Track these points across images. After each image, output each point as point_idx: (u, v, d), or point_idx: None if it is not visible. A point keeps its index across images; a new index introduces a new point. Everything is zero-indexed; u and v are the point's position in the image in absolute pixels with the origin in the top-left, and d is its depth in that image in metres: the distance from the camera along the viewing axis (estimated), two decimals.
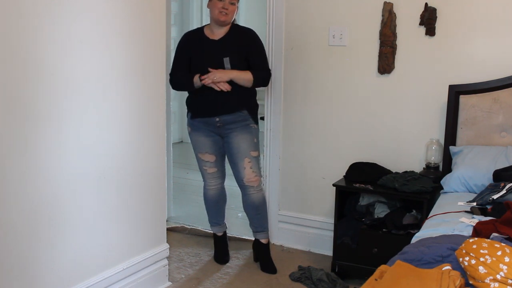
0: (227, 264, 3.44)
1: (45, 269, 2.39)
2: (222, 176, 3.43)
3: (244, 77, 3.16)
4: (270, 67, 3.38)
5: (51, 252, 2.41)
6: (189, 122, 3.34)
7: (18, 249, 2.27)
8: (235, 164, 3.28)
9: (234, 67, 3.15)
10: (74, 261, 2.53)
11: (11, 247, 2.24)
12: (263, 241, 3.42)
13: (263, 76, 3.25)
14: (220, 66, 3.14)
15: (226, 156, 3.38)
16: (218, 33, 3.22)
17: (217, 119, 3.22)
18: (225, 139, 3.28)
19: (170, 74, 3.30)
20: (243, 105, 3.23)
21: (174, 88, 3.36)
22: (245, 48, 3.21)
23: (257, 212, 3.36)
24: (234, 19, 3.27)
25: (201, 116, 3.25)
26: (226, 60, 3.15)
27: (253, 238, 3.70)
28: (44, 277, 2.39)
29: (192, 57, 3.23)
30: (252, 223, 3.41)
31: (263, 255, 3.42)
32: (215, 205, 3.46)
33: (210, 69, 3.12)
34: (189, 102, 3.33)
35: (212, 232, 3.59)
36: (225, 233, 3.54)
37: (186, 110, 3.37)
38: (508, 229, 2.00)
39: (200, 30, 3.30)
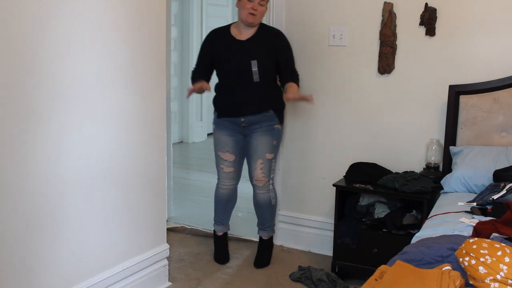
0: (227, 264, 3.44)
1: (46, 269, 2.39)
2: (237, 177, 3.44)
3: (297, 89, 3.22)
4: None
5: (51, 252, 2.41)
6: (215, 120, 3.38)
7: (18, 248, 2.27)
8: (249, 163, 3.35)
9: (261, 70, 3.15)
10: (74, 261, 2.53)
11: (11, 247, 2.24)
12: (264, 237, 3.47)
13: (298, 80, 3.28)
14: (248, 69, 3.14)
15: (244, 156, 3.41)
16: (245, 34, 3.21)
17: (242, 119, 3.24)
18: (246, 138, 3.31)
19: (193, 71, 3.36)
20: (269, 105, 3.25)
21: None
22: (274, 49, 3.20)
23: (260, 210, 3.43)
24: None
25: (227, 116, 3.28)
26: (254, 63, 3.14)
27: (253, 238, 3.73)
28: (44, 277, 2.39)
29: (216, 57, 3.24)
30: (257, 219, 3.48)
31: (259, 249, 3.47)
32: (224, 205, 3.46)
33: (289, 97, 3.13)
34: (215, 101, 3.37)
35: (212, 231, 3.59)
36: (225, 233, 3.54)
37: (213, 109, 3.41)
38: (508, 229, 2.00)
39: (226, 29, 3.29)
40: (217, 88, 3.35)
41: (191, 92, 3.25)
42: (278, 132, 3.32)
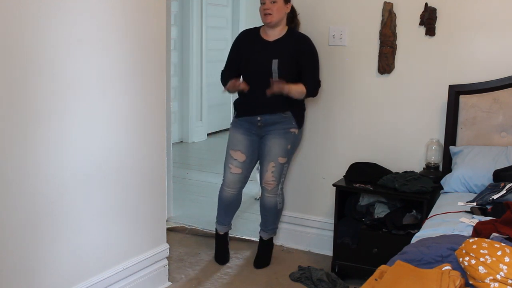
0: (227, 264, 3.44)
1: (46, 269, 2.40)
2: (243, 181, 3.39)
3: (298, 90, 3.16)
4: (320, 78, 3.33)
5: (51, 252, 2.41)
6: (233, 121, 3.39)
7: (18, 248, 2.27)
8: (261, 164, 3.35)
9: (281, 70, 3.14)
10: (74, 261, 2.53)
11: (11, 246, 2.24)
12: (264, 238, 3.47)
13: (313, 88, 3.26)
14: (268, 68, 3.15)
15: (256, 161, 3.40)
16: (272, 35, 3.23)
17: (259, 118, 3.24)
18: (261, 139, 3.30)
19: (222, 71, 3.39)
20: (287, 106, 3.23)
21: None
22: (297, 53, 3.19)
23: (264, 213, 3.42)
24: (296, 24, 3.30)
25: (245, 114, 3.28)
26: (275, 62, 3.15)
27: (253, 238, 3.73)
28: (44, 277, 2.39)
29: (243, 56, 3.27)
30: (261, 219, 3.47)
31: (259, 249, 3.47)
32: (227, 207, 3.42)
33: (273, 84, 3.09)
34: (235, 102, 3.39)
35: (213, 232, 3.58)
36: (226, 233, 3.52)
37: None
38: (508, 229, 2.00)
39: (256, 29, 3.33)
40: None
41: (228, 89, 3.27)
42: (294, 137, 3.29)
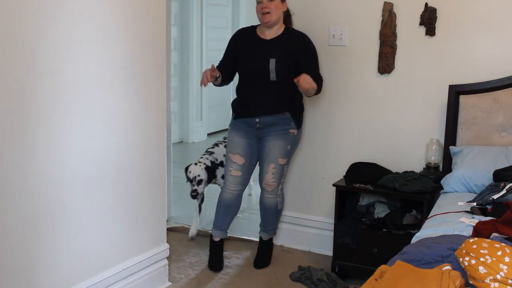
0: (226, 264, 3.43)
1: (46, 269, 2.40)
2: (244, 183, 3.37)
3: (313, 85, 3.08)
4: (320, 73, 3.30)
5: (51, 252, 2.41)
6: (231, 123, 3.35)
7: (18, 249, 2.27)
8: (261, 166, 3.33)
9: (278, 69, 3.12)
10: (74, 261, 2.53)
11: (11, 247, 2.24)
12: (264, 238, 3.47)
13: (321, 85, 3.23)
14: (265, 67, 3.13)
15: (256, 162, 3.39)
16: (269, 34, 3.21)
17: (257, 119, 3.21)
18: (260, 141, 3.28)
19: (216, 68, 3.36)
20: (285, 107, 3.20)
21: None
22: (296, 52, 3.17)
23: (264, 213, 3.41)
24: (289, 24, 3.28)
25: (243, 116, 3.25)
26: (272, 62, 3.12)
27: (253, 238, 3.72)
28: (44, 277, 2.39)
29: (240, 55, 3.24)
30: (261, 220, 3.47)
31: (259, 249, 3.47)
32: (226, 209, 3.38)
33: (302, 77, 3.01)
34: (233, 103, 3.36)
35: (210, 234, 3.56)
36: (222, 240, 3.45)
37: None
38: (508, 229, 2.00)
39: (253, 28, 3.30)
40: (237, 89, 3.34)
41: (205, 83, 3.13)
42: (293, 137, 3.27)
